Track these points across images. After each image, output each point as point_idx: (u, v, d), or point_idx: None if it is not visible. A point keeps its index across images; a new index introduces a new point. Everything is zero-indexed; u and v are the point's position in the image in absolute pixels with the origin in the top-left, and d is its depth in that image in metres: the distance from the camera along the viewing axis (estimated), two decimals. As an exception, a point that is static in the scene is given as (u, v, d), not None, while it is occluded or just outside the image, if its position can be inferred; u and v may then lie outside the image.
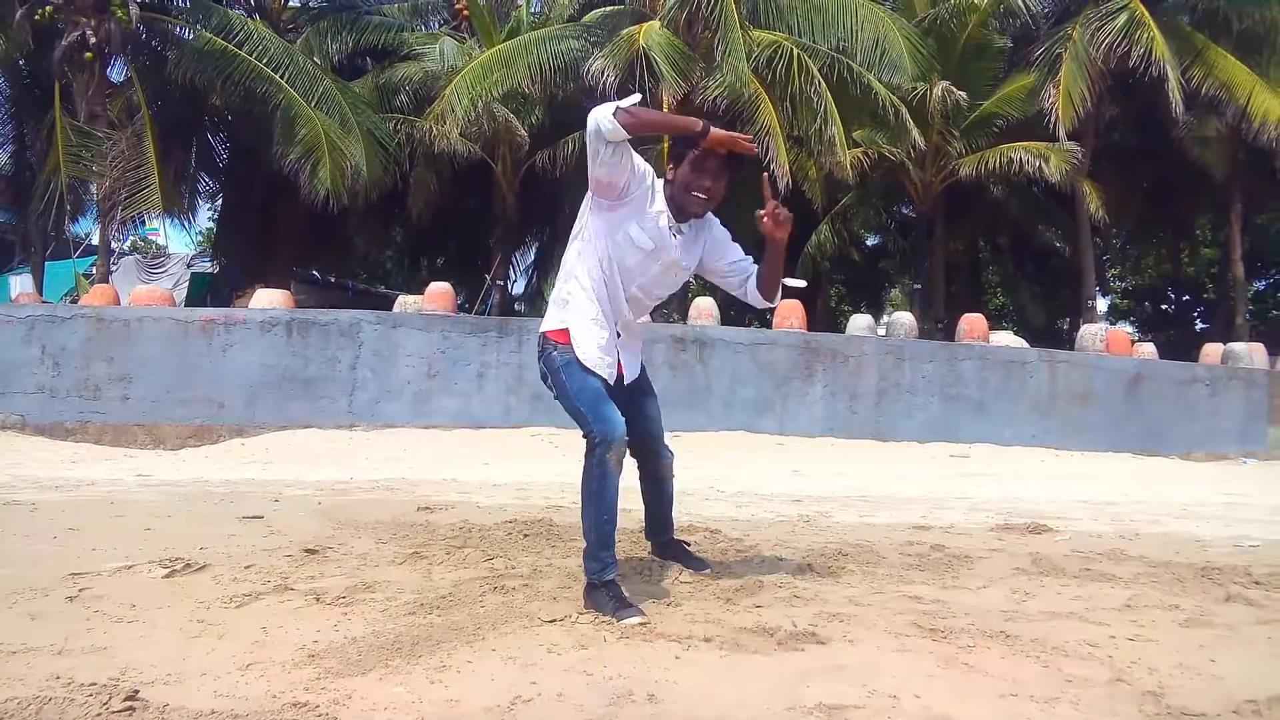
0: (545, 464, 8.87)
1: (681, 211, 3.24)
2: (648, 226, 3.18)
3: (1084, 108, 16.27)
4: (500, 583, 3.37)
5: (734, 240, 3.47)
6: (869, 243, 27.25)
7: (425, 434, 10.85)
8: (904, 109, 14.76)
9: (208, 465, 8.77)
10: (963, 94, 15.71)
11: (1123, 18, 15.87)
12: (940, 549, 4.36)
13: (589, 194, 3.20)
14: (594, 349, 3.19)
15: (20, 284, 17.57)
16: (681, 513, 4.09)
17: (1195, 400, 13.23)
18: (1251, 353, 14.05)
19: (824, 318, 22.28)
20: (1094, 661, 2.62)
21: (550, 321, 3.27)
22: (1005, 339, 13.84)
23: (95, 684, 2.24)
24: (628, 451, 3.39)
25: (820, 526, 5.19)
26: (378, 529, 4.61)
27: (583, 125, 3.05)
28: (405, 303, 12.17)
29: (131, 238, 23.06)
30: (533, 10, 18.18)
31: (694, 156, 3.16)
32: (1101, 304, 27.03)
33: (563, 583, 3.36)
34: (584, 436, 3.12)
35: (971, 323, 13.12)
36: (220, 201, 21.27)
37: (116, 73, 15.68)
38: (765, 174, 3.25)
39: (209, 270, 21.65)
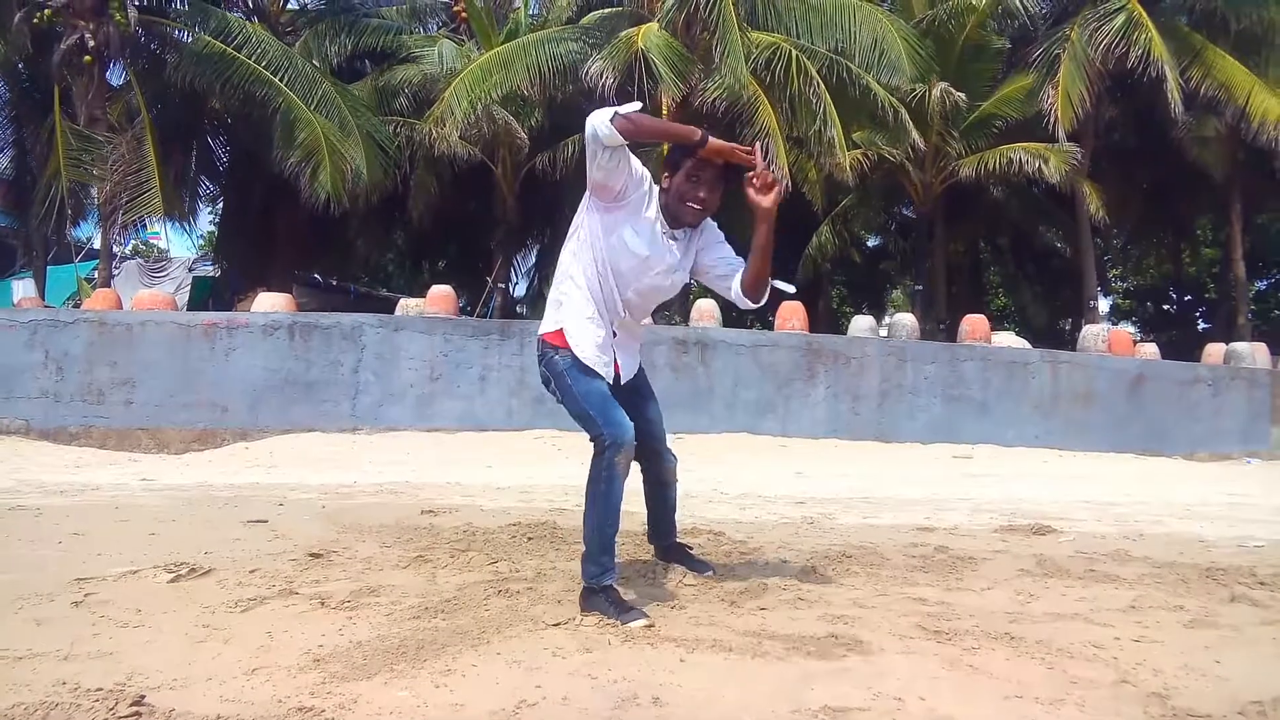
0: (548, 466, 8.87)
1: (676, 219, 3.24)
2: (642, 231, 3.18)
3: (1083, 108, 16.28)
4: (504, 586, 3.37)
5: (734, 238, 3.45)
6: (870, 244, 27.25)
7: (428, 437, 10.85)
8: (903, 110, 14.76)
9: (211, 469, 8.77)
10: (962, 95, 15.71)
11: (1120, 18, 15.87)
12: (944, 550, 4.36)
13: (587, 194, 3.20)
14: (591, 347, 3.20)
15: (23, 288, 17.58)
16: (685, 515, 4.09)
17: (1198, 400, 13.22)
18: (1254, 352, 14.05)
19: (826, 319, 22.28)
20: (1099, 663, 2.63)
21: (548, 324, 3.28)
22: (1007, 340, 13.85)
23: (101, 689, 2.24)
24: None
25: (824, 528, 5.20)
26: (382, 532, 4.61)
27: (582, 127, 3.06)
28: (407, 306, 12.18)
29: (133, 242, 23.13)
30: (531, 12, 18.20)
31: (690, 166, 3.16)
32: (1103, 304, 27.02)
33: (567, 586, 3.36)
34: (591, 440, 3.11)
35: (973, 323, 13.12)
36: (221, 205, 21.29)
37: (116, 76, 15.71)
38: (755, 142, 3.21)
39: (211, 274, 21.67)
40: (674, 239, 3.27)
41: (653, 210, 3.21)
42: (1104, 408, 12.67)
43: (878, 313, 28.96)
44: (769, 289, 3.30)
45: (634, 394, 3.44)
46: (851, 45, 14.56)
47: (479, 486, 7.15)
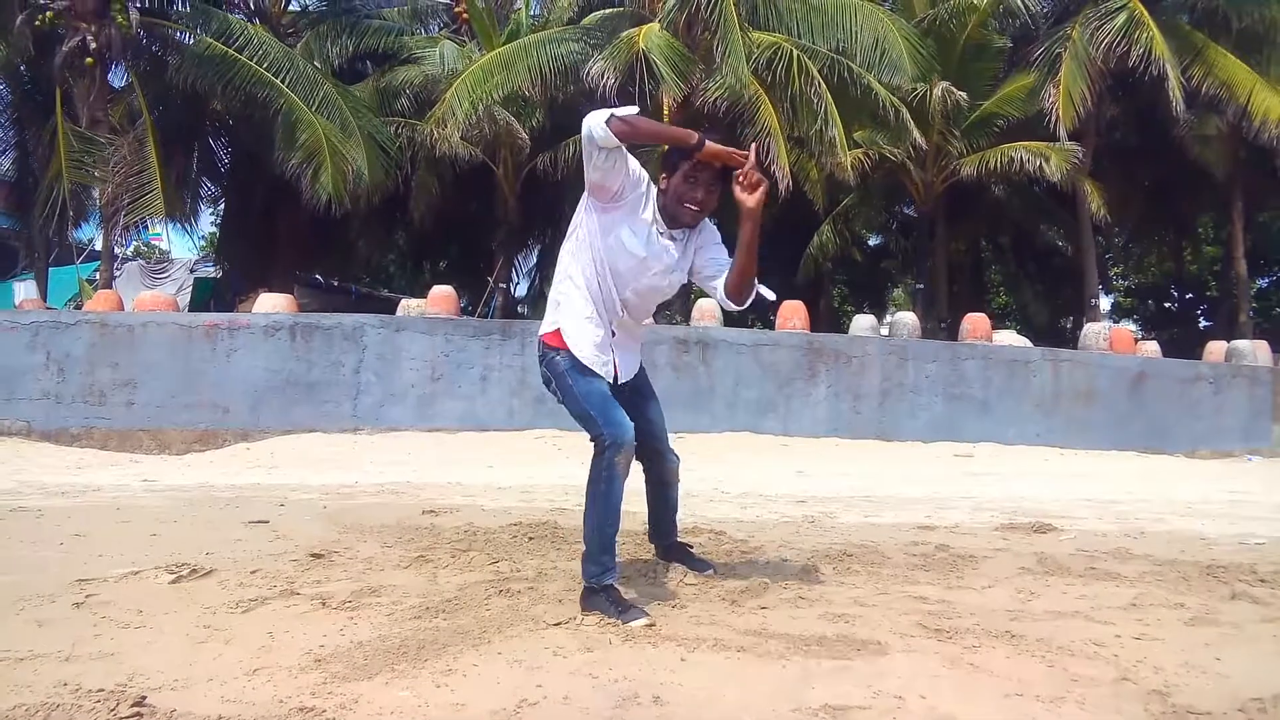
0: (549, 466, 8.87)
1: (674, 220, 3.24)
2: (640, 231, 3.19)
3: (1084, 107, 16.28)
4: (505, 586, 3.37)
5: (730, 236, 3.44)
6: (871, 243, 27.26)
7: (429, 437, 10.86)
8: (904, 109, 14.76)
9: (213, 470, 8.78)
10: (963, 94, 15.71)
11: (1122, 17, 15.87)
12: (945, 549, 4.36)
13: (585, 194, 3.21)
14: (589, 347, 3.20)
15: (24, 290, 17.57)
16: (686, 514, 4.10)
17: (1199, 398, 13.21)
18: (1255, 350, 14.03)
19: (827, 318, 22.29)
20: (1099, 661, 2.63)
21: (547, 324, 3.29)
22: (1008, 338, 13.84)
23: (103, 690, 2.24)
24: (634, 456, 3.41)
25: (825, 527, 5.20)
26: (383, 533, 4.61)
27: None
28: (408, 306, 12.18)
29: (135, 243, 23.14)
30: (532, 13, 18.21)
31: (687, 168, 3.16)
32: (1104, 302, 27.04)
33: (568, 585, 3.36)
34: (592, 440, 3.12)
35: (974, 322, 13.12)
36: (222, 206, 21.32)
37: (117, 78, 15.71)
38: (754, 143, 3.21)
39: (212, 275, 21.68)
40: (672, 239, 3.27)
41: (650, 211, 3.21)
42: (1105, 406, 12.66)
43: (879, 312, 28.94)
44: (754, 291, 3.28)
45: (635, 394, 3.44)
46: (853, 45, 14.57)
47: (480, 486, 7.15)
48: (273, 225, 18.58)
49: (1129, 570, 3.94)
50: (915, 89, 15.43)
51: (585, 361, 3.18)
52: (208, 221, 25.62)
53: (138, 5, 14.08)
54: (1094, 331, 13.75)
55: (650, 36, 13.72)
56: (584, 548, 3.14)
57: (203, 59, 14.67)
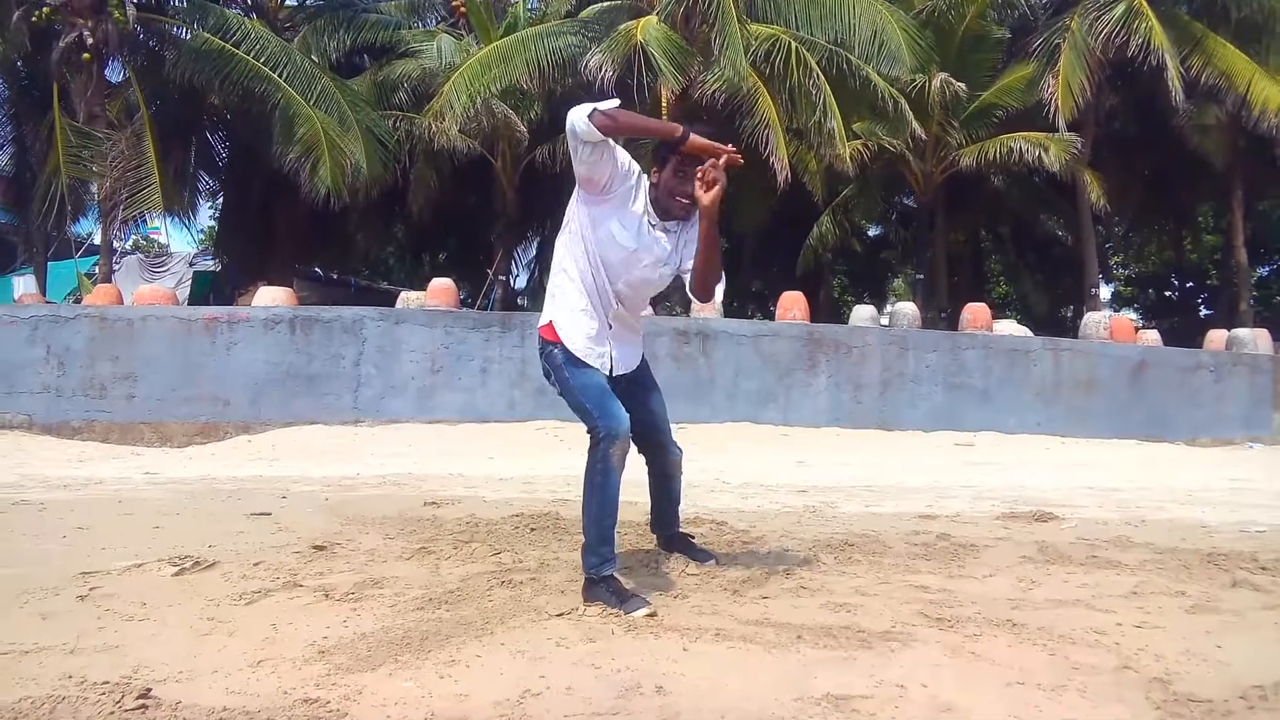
0: (550, 457, 8.88)
1: (666, 213, 3.24)
2: (630, 224, 3.19)
3: (1083, 97, 16.24)
4: (508, 577, 3.38)
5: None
6: (870, 233, 27.26)
7: (430, 429, 10.87)
8: (903, 101, 14.72)
9: (214, 462, 8.79)
10: (962, 85, 15.67)
11: (1121, 7, 15.83)
12: (946, 538, 4.37)
13: (577, 187, 3.21)
14: (582, 339, 3.21)
15: (24, 284, 17.58)
16: (687, 504, 4.11)
17: (1200, 386, 13.21)
18: (1256, 338, 14.03)
19: (827, 309, 22.27)
20: (1101, 649, 2.64)
21: (544, 317, 3.30)
22: (1008, 328, 13.82)
23: (108, 683, 2.25)
24: (637, 449, 3.42)
25: (826, 517, 5.21)
26: (385, 524, 4.62)
27: None
28: (408, 299, 12.18)
29: (133, 237, 23.09)
30: (530, 6, 18.17)
31: (676, 161, 3.15)
32: (1105, 291, 27.03)
33: (570, 576, 3.37)
34: (588, 432, 3.13)
35: (975, 312, 13.12)
36: (221, 200, 21.28)
37: (114, 73, 15.68)
38: (730, 146, 3.16)
39: (211, 269, 21.67)
40: (665, 231, 3.26)
41: (640, 203, 3.21)
42: (1106, 394, 12.67)
43: (879, 302, 28.97)
44: (719, 288, 3.25)
45: (636, 386, 3.45)
46: (851, 36, 14.51)
47: (481, 478, 7.16)
48: (271, 219, 18.55)
49: (1130, 558, 3.94)
50: (914, 80, 15.38)
51: (578, 354, 3.19)
52: (206, 215, 25.52)
53: (134, 0, 14.02)
54: (1094, 320, 13.75)
55: (648, 29, 13.68)
56: (583, 539, 3.15)
57: (200, 54, 14.63)
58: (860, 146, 16.29)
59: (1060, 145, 15.72)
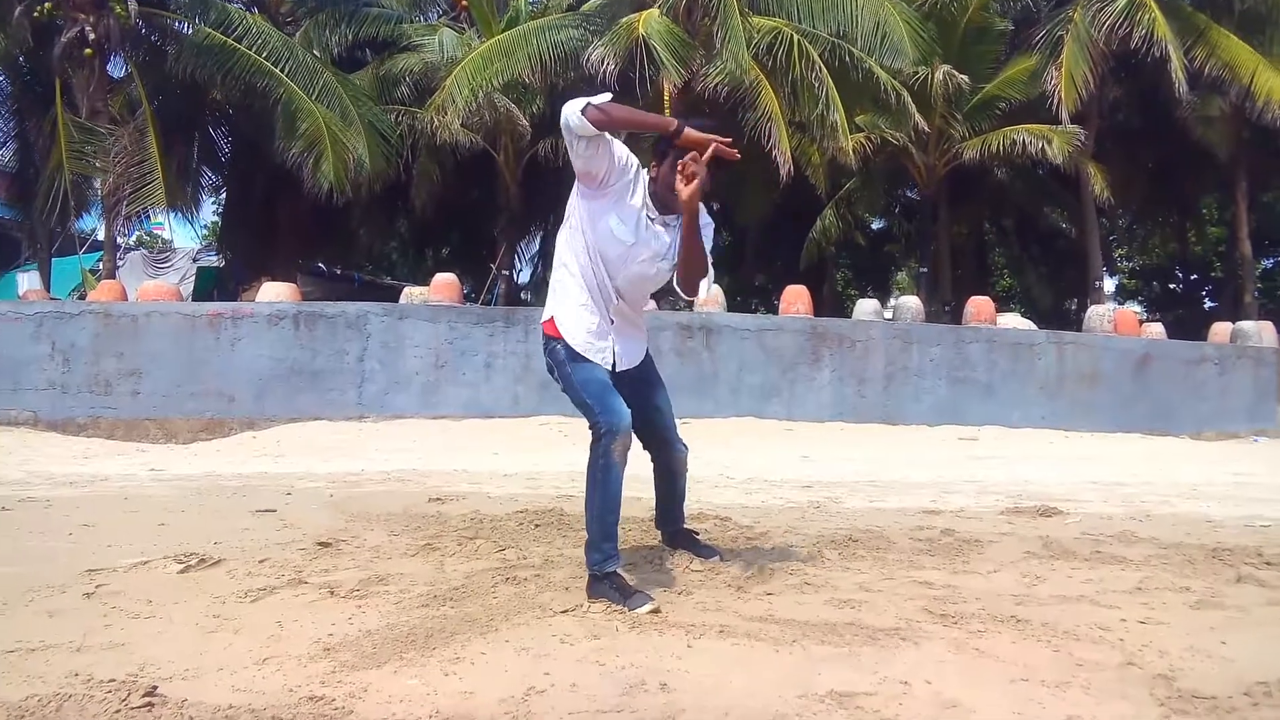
0: (555, 453, 8.89)
1: (665, 207, 3.21)
2: (628, 218, 3.17)
3: (1086, 89, 16.21)
4: (512, 573, 3.39)
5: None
6: (874, 227, 27.24)
7: (434, 424, 10.88)
8: (906, 93, 14.72)
9: (219, 459, 8.80)
10: (964, 77, 15.66)
11: (1124, -1, 15.82)
12: (950, 533, 4.36)
13: (576, 180, 3.21)
14: (582, 334, 3.20)
15: (28, 281, 17.62)
16: (691, 500, 4.11)
17: (1204, 379, 13.20)
18: (1260, 331, 14.01)
19: (830, 303, 22.29)
20: (1105, 645, 2.63)
21: (546, 313, 3.30)
22: (1012, 321, 13.82)
23: (114, 680, 2.26)
24: (642, 445, 3.41)
25: (830, 512, 5.21)
26: (390, 521, 4.63)
27: None
28: (411, 294, 12.19)
29: (137, 233, 23.14)
30: (530, 0, 18.14)
31: (674, 155, 3.12)
32: (1109, 284, 27.03)
33: (574, 573, 3.37)
34: (590, 428, 3.13)
35: (978, 305, 13.11)
36: (224, 195, 21.31)
37: (117, 68, 15.73)
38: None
39: (215, 264, 21.69)
40: (664, 226, 3.24)
41: (638, 197, 3.19)
42: (1110, 388, 12.66)
43: (882, 295, 28.96)
44: (705, 283, 3.22)
45: (641, 383, 3.44)
46: (853, 29, 14.50)
47: (486, 473, 7.17)
48: (274, 214, 18.59)
49: (1134, 554, 3.94)
50: (916, 72, 15.37)
51: (579, 349, 3.19)
52: (209, 211, 25.60)
53: (136, -5, 14.05)
54: (1098, 314, 13.74)
55: (650, 22, 13.67)
56: (586, 536, 3.16)
57: (202, 49, 14.64)
58: (863, 139, 16.30)
59: (1064, 137, 15.71)
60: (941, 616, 2.90)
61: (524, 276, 24.51)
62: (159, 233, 28.56)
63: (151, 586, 3.24)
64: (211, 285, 19.95)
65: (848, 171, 17.51)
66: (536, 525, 4.41)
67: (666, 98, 14.13)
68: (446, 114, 14.70)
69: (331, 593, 3.14)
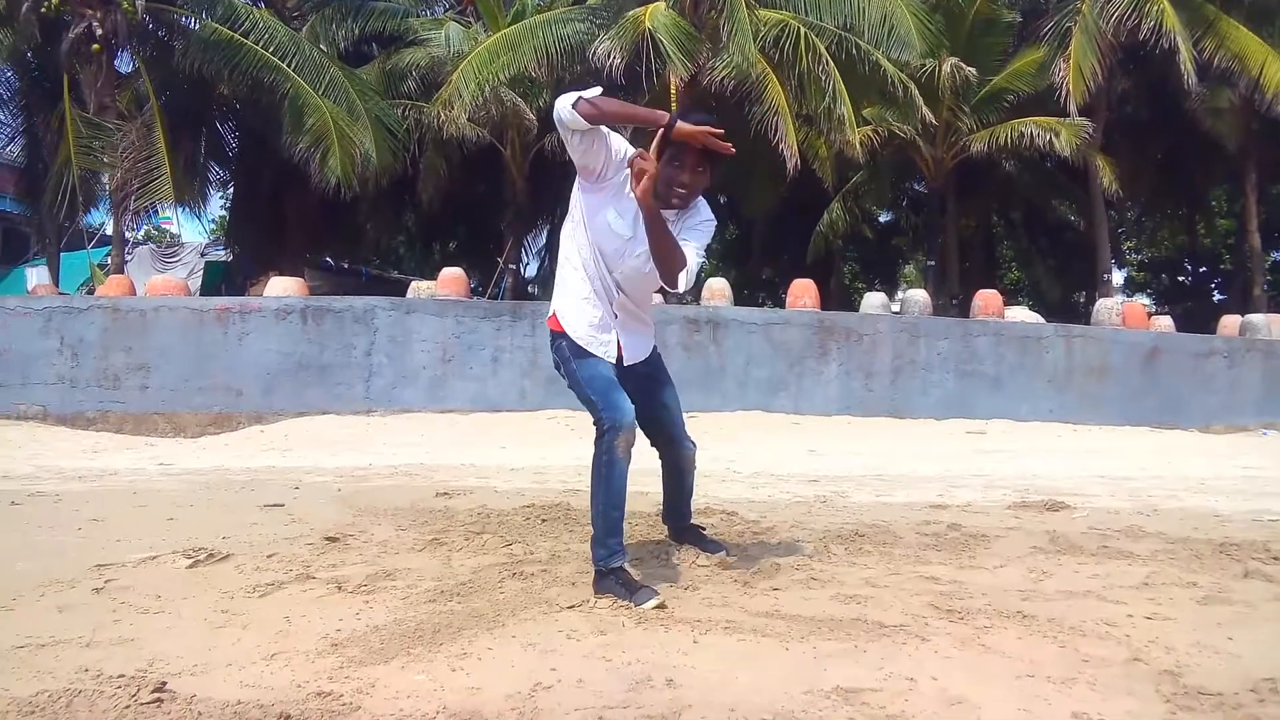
0: (562, 447, 8.90)
1: (663, 203, 3.16)
2: (625, 213, 3.15)
3: (1095, 81, 16.14)
4: (519, 569, 3.39)
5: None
6: (881, 220, 27.19)
7: (442, 418, 10.90)
8: (913, 86, 14.67)
9: (228, 453, 8.83)
10: (972, 70, 15.61)
11: (1132, -10, 15.74)
12: (957, 528, 4.36)
13: (578, 174, 3.21)
14: (585, 327, 3.21)
15: (36, 275, 17.69)
16: (698, 494, 4.11)
17: (1213, 372, 13.15)
18: (1270, 324, 13.95)
19: (838, 296, 22.25)
20: (1111, 641, 2.63)
21: (550, 308, 3.31)
22: (1020, 314, 13.78)
23: (124, 676, 2.27)
24: (650, 442, 3.41)
25: (837, 507, 5.20)
26: (397, 515, 4.64)
27: None
28: (419, 288, 12.21)
29: (145, 227, 23.18)
30: (537, -7, 18.12)
31: (670, 150, 3.09)
32: (1117, 277, 26.90)
33: (581, 568, 3.38)
34: (594, 423, 3.14)
35: (986, 298, 13.08)
36: (231, 190, 21.34)
37: (124, 64, 15.74)
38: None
39: (223, 259, 21.72)
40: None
41: None
42: (1118, 381, 12.62)
43: (890, 289, 28.90)
44: (685, 276, 3.12)
45: (649, 380, 3.44)
46: (860, 21, 14.45)
47: (493, 468, 7.19)
48: (282, 209, 18.62)
49: (1141, 549, 3.93)
50: (924, 65, 15.33)
51: (581, 343, 3.19)
52: (217, 205, 25.64)
53: (142, -10, 14.08)
54: (1107, 306, 13.70)
55: (656, 15, 13.63)
56: (592, 531, 3.17)
57: (208, 44, 14.66)
58: (870, 132, 16.25)
59: (1072, 130, 15.65)
60: (948, 612, 2.90)
61: (531, 270, 24.52)
62: (167, 227, 28.70)
63: (160, 581, 3.26)
64: (219, 280, 19.99)
65: (855, 165, 17.47)
66: (543, 520, 4.41)
67: (673, 91, 14.10)
68: (453, 108, 14.69)
69: (339, 588, 3.16)
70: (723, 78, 13.96)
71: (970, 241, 24.38)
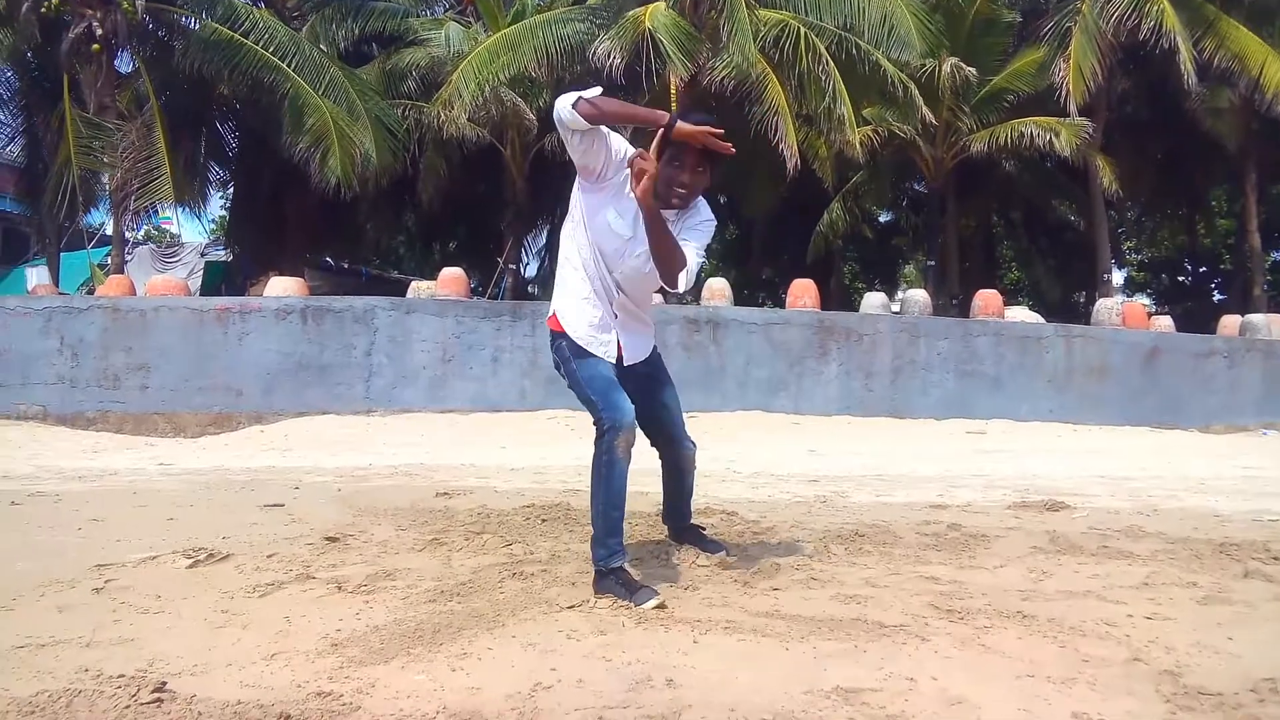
0: (562, 447, 8.90)
1: (664, 203, 3.15)
2: (625, 213, 3.15)
3: (1095, 81, 16.14)
4: (519, 569, 3.39)
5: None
6: (881, 220, 27.20)
7: (442, 418, 10.90)
8: (913, 86, 14.67)
9: (228, 453, 8.83)
10: (972, 70, 15.62)
11: (1132, -10, 15.74)
12: (957, 528, 4.36)
13: (578, 174, 3.20)
14: (584, 326, 3.21)
15: (36, 275, 17.69)
16: (698, 494, 4.11)
17: (1213, 372, 13.15)
18: (1270, 324, 13.95)
19: (838, 296, 22.25)
20: (1111, 641, 2.63)
21: (550, 308, 3.31)
22: (1020, 314, 13.78)
23: (124, 676, 2.27)
24: (650, 442, 3.41)
25: (837, 507, 5.20)
26: (397, 515, 4.64)
27: None
28: (419, 288, 12.21)
29: (145, 227, 23.18)
30: (537, -7, 18.13)
31: (670, 150, 3.08)
32: (1117, 277, 26.91)
33: (581, 568, 3.38)
34: (594, 423, 3.14)
35: (986, 298, 13.08)
36: (231, 190, 21.34)
37: (124, 64, 15.74)
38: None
39: (223, 259, 21.72)
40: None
41: None
42: (1118, 381, 12.62)
43: (890, 289, 28.91)
44: (685, 276, 3.11)
45: (649, 380, 3.44)
46: (860, 21, 14.45)
47: (493, 468, 7.19)
48: (282, 209, 18.62)
49: (1141, 549, 3.93)
50: (924, 65, 15.33)
51: (581, 342, 3.19)
52: (217, 205, 25.65)
53: (142, -10, 14.08)
54: (1107, 306, 13.70)
55: (656, 15, 13.63)
56: (592, 531, 3.17)
57: (209, 44, 14.65)
58: (870, 132, 16.26)
59: (1072, 130, 15.66)
60: (948, 612, 2.90)
61: (531, 270, 24.52)
62: (167, 227, 28.69)
63: (160, 581, 3.26)
64: (219, 280, 19.99)
65: (855, 165, 17.47)
66: (543, 520, 4.41)
67: (673, 91, 14.10)
68: (453, 108, 14.69)
69: (339, 588, 3.16)
70: (723, 78, 13.96)
71: (970, 241, 24.39)
